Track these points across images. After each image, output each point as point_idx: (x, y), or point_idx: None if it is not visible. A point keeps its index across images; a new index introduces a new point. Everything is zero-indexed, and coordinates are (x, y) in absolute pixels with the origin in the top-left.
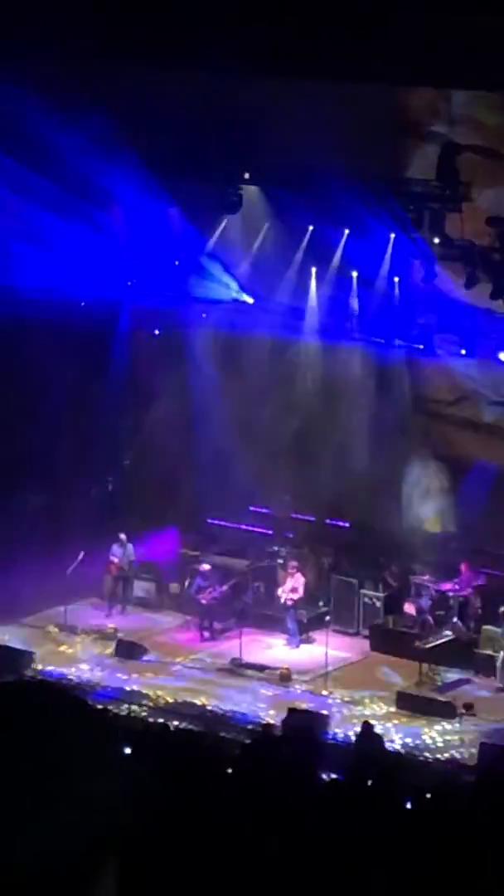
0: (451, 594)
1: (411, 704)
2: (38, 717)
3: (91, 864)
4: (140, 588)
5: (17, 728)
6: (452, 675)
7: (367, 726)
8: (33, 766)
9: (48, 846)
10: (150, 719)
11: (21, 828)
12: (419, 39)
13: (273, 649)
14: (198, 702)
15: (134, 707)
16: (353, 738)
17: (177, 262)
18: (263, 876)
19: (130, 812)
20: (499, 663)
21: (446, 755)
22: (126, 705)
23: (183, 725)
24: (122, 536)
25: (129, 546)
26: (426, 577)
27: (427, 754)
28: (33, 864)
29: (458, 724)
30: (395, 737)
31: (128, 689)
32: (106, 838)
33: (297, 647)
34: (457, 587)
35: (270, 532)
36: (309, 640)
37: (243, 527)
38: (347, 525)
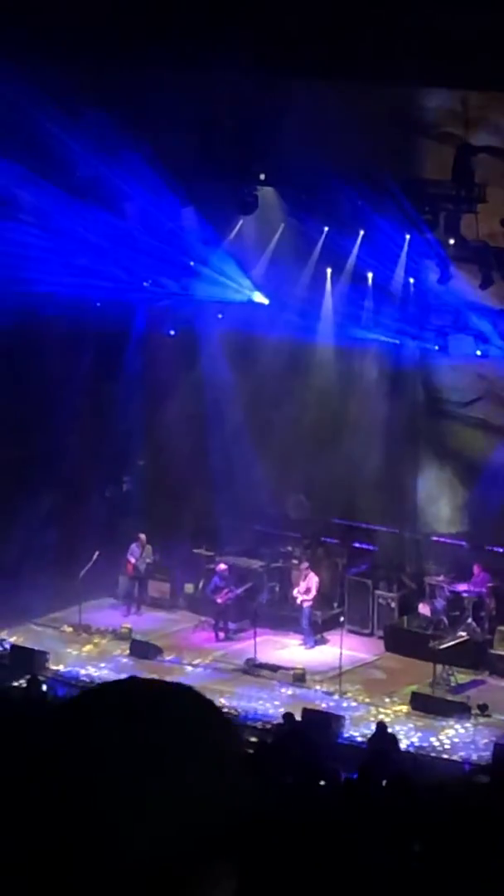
0: (465, 595)
1: (425, 705)
2: (173, 714)
3: (202, 864)
4: (155, 588)
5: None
6: (467, 676)
7: (381, 726)
8: (153, 759)
9: (160, 841)
10: None
11: (135, 816)
12: (435, 39)
13: (287, 649)
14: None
15: None
16: (368, 739)
17: (192, 263)
18: (273, 876)
19: (245, 816)
20: None
21: (460, 756)
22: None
23: None
24: (142, 536)
25: (149, 547)
26: (440, 578)
27: (441, 755)
28: (144, 856)
29: (472, 725)
30: (409, 737)
31: None
32: (218, 840)
33: (312, 647)
34: (471, 588)
35: (285, 532)
36: (323, 641)
37: (257, 527)
38: (362, 526)
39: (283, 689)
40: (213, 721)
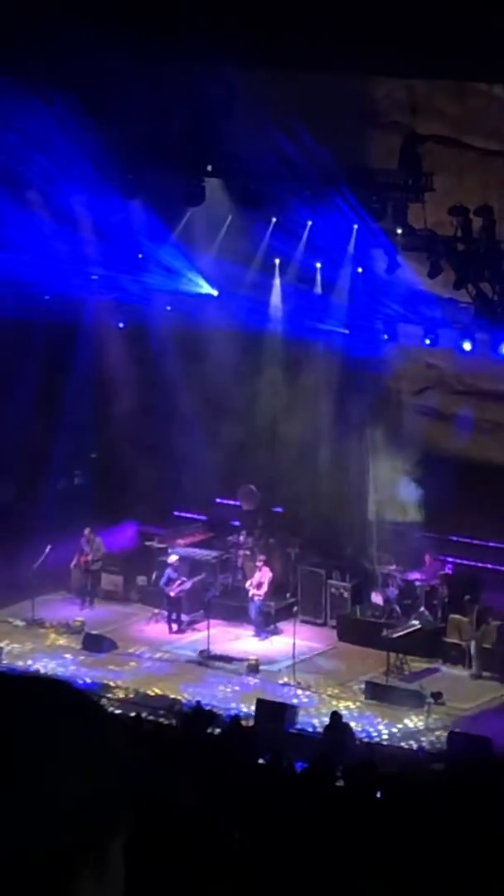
0: (417, 583)
1: (380, 694)
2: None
3: (71, 862)
4: (108, 581)
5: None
6: (420, 664)
7: (335, 716)
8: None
9: (20, 845)
10: (119, 712)
11: None
12: (383, 30)
13: (241, 640)
14: (166, 694)
15: (102, 700)
16: (322, 729)
17: (140, 255)
18: (231, 866)
19: (123, 807)
20: (472, 651)
21: (415, 744)
22: (94, 699)
23: (152, 717)
24: (87, 531)
25: (97, 539)
26: (393, 567)
27: (396, 744)
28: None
29: (426, 713)
30: (364, 726)
31: (96, 682)
32: (85, 831)
33: (265, 638)
34: (423, 576)
35: (237, 523)
36: (276, 631)
37: (209, 518)
38: (314, 515)
39: (234, 681)
40: (79, 717)
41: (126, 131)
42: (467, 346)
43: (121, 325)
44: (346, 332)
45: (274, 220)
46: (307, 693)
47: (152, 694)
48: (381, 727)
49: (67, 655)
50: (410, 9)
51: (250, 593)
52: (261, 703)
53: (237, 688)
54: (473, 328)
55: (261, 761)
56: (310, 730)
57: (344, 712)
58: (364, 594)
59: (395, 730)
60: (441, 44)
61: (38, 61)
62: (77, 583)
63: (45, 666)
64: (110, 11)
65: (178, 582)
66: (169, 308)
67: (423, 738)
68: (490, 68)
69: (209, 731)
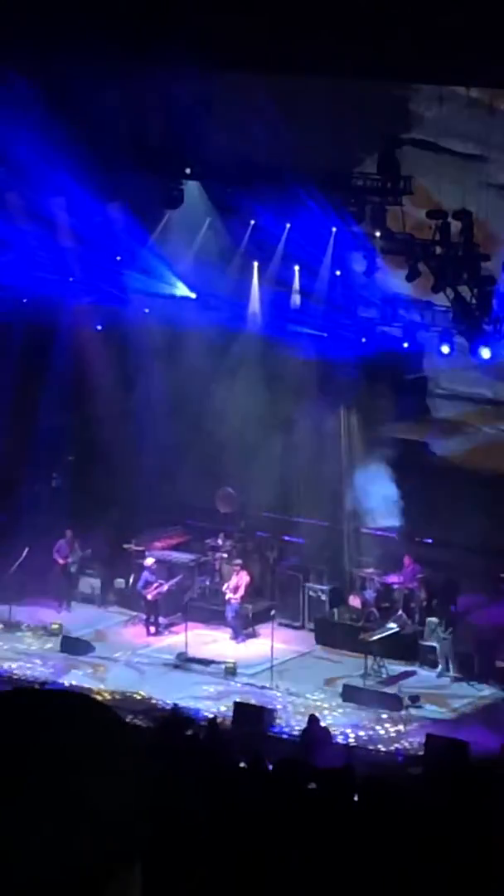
0: (395, 587)
1: (357, 697)
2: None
3: (100, 876)
4: (85, 584)
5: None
6: (398, 667)
7: (313, 719)
8: (40, 774)
9: (52, 858)
10: None
11: (24, 839)
12: (367, 33)
13: (219, 643)
14: (144, 697)
15: None
16: (300, 732)
17: (118, 258)
18: (216, 872)
19: (147, 821)
20: (450, 654)
21: (393, 747)
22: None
23: (129, 720)
24: (69, 533)
25: (76, 543)
26: (371, 570)
27: (373, 747)
28: (35, 876)
29: (403, 716)
30: (342, 729)
31: (73, 685)
32: (118, 849)
33: (242, 641)
34: (401, 579)
35: (215, 526)
36: (254, 634)
37: (188, 521)
38: (292, 519)
39: (212, 684)
40: (104, 730)
41: (104, 134)
42: (445, 349)
43: (99, 327)
44: (325, 335)
45: (252, 222)
46: (285, 696)
47: (130, 697)
48: (358, 730)
49: (38, 660)
50: (398, 12)
51: (227, 596)
52: (238, 706)
53: (220, 688)
54: (451, 332)
55: (241, 764)
56: (287, 733)
57: (321, 715)
58: (342, 597)
59: (372, 733)
60: (432, 47)
61: (17, 63)
62: (54, 585)
63: (22, 669)
64: (92, 14)
65: (156, 585)
66: (147, 311)
67: (400, 742)
68: (470, 73)
69: (186, 733)
